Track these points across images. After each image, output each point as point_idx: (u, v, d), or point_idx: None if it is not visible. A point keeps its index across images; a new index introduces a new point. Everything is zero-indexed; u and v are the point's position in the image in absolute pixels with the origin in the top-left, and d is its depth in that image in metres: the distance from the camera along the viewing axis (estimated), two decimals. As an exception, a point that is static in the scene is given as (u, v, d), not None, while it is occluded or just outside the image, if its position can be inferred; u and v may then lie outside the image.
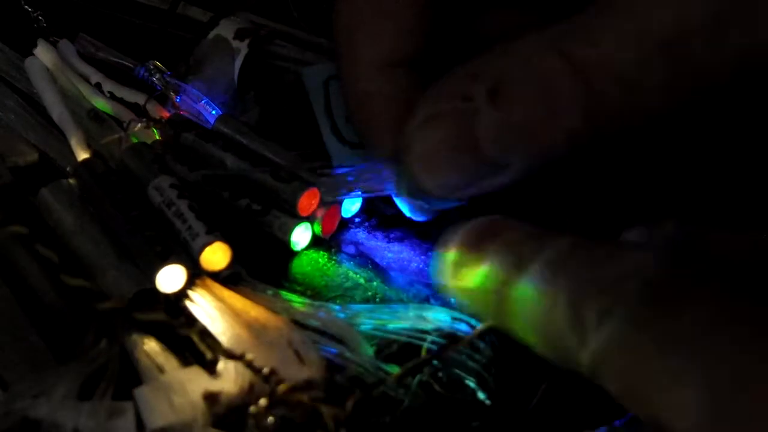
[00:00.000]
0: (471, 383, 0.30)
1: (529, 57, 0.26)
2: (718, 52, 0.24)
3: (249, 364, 0.29)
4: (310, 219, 0.38)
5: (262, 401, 0.28)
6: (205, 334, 0.30)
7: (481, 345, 0.31)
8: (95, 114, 0.42)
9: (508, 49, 0.27)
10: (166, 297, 0.33)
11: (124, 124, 0.43)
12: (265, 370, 0.29)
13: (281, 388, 0.28)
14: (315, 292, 0.35)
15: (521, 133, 0.27)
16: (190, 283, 0.33)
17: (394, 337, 0.32)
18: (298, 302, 0.33)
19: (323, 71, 0.40)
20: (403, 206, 0.36)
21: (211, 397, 0.29)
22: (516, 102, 0.26)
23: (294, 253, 0.38)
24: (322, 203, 0.37)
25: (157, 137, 0.42)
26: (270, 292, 0.34)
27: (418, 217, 0.36)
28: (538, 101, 0.26)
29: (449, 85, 0.28)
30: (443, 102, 0.28)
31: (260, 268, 0.35)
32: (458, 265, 0.26)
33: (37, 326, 0.32)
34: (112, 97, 0.45)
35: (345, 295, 0.35)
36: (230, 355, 0.29)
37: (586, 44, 0.25)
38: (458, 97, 0.27)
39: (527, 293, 0.23)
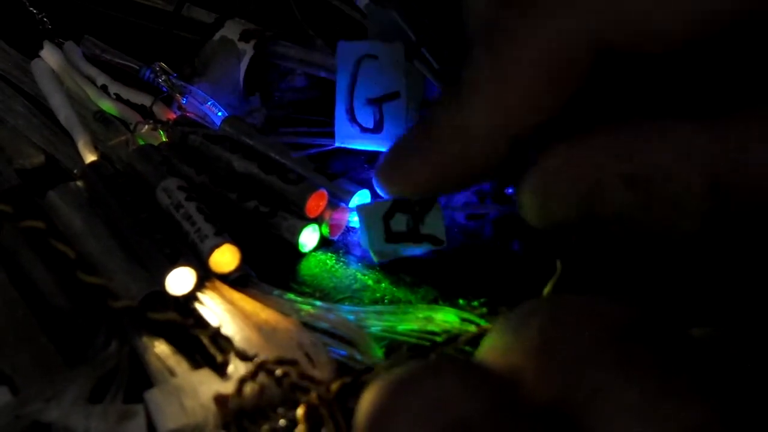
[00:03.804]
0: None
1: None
2: None
3: (261, 367, 0.29)
4: (317, 220, 0.38)
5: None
6: (217, 335, 0.30)
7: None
8: (102, 116, 0.42)
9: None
10: (176, 299, 0.33)
11: (131, 126, 0.43)
12: (278, 372, 0.29)
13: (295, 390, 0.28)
14: (323, 294, 0.35)
15: None
16: (200, 286, 0.33)
17: (403, 338, 0.32)
18: (307, 304, 0.33)
19: (360, 48, 0.38)
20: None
21: (221, 400, 0.29)
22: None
23: (302, 255, 0.38)
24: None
25: (164, 139, 0.42)
26: (279, 294, 0.34)
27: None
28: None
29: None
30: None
31: (268, 270, 0.35)
32: None
33: (46, 329, 0.32)
34: (118, 98, 0.45)
35: (353, 296, 0.35)
36: (242, 356, 0.29)
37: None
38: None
39: None
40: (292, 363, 0.29)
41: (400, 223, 0.34)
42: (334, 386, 0.29)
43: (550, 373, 0.19)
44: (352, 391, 0.29)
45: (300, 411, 0.28)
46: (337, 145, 0.39)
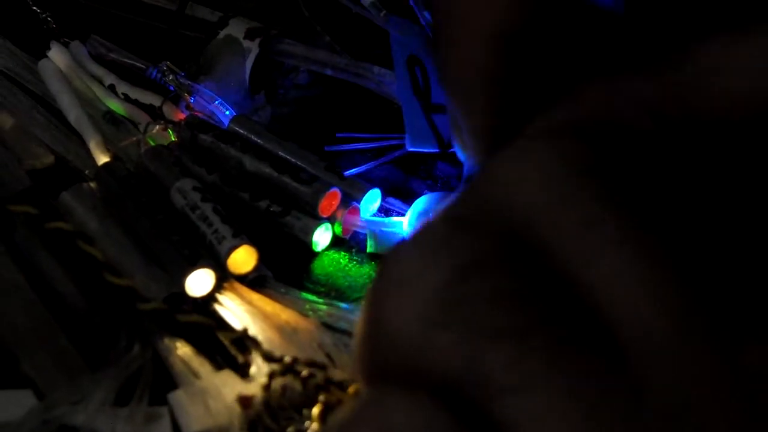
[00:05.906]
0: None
1: None
2: None
3: (288, 368, 0.29)
4: (330, 219, 0.38)
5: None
6: (245, 338, 0.30)
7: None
8: (111, 116, 0.42)
9: None
10: (195, 300, 0.33)
11: (141, 126, 0.43)
12: (304, 373, 0.29)
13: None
14: (338, 293, 0.36)
15: None
16: (218, 287, 0.33)
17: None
18: (326, 304, 0.34)
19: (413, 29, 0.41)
20: None
21: (245, 401, 0.29)
22: None
23: (315, 254, 0.38)
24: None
25: (173, 139, 0.42)
26: (297, 294, 0.34)
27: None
28: None
29: None
30: None
31: (281, 269, 0.36)
32: None
33: (66, 331, 0.32)
34: (127, 98, 0.45)
35: (369, 295, 0.35)
36: (269, 358, 0.29)
37: None
38: None
39: None
40: (321, 367, 0.29)
41: None
42: (352, 388, 0.30)
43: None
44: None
45: (316, 410, 0.29)
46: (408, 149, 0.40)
